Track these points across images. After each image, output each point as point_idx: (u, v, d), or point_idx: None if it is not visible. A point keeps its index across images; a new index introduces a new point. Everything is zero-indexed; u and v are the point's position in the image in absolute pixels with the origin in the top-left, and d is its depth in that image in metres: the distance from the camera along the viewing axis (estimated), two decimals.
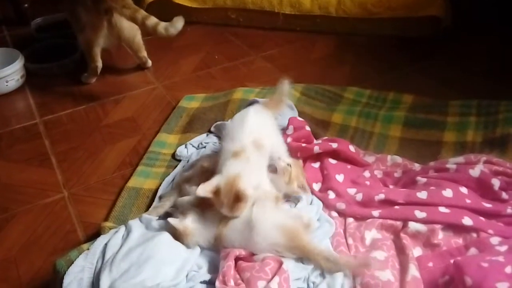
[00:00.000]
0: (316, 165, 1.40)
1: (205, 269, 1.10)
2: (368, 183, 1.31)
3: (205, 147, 1.54)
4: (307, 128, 1.49)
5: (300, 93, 1.76)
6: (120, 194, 1.42)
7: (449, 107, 1.62)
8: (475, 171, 1.24)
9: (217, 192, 1.10)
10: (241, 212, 1.10)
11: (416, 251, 1.12)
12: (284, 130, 1.49)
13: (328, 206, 1.26)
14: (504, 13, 2.26)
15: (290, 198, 1.27)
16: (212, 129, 1.63)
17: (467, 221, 1.14)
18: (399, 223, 1.17)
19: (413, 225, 1.15)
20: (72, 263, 1.09)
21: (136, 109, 1.86)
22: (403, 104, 1.70)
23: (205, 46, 2.27)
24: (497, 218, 1.17)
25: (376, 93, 1.78)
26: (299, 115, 1.61)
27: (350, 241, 1.16)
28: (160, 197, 1.35)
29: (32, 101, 1.94)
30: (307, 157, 1.40)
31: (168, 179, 1.43)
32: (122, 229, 1.18)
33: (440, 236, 1.13)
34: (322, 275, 1.07)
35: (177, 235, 1.13)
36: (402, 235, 1.14)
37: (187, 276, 1.07)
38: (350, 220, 1.22)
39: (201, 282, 1.05)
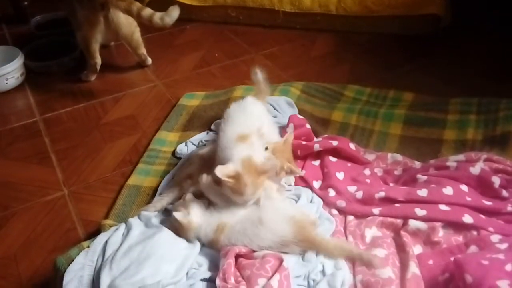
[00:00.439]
0: (316, 163, 1.40)
1: (205, 266, 1.10)
2: (368, 181, 1.31)
3: (205, 145, 1.54)
4: (308, 126, 1.48)
5: (300, 91, 1.76)
6: (120, 192, 1.42)
7: (449, 105, 1.62)
8: (475, 169, 1.24)
9: (236, 176, 1.10)
10: (262, 190, 1.13)
11: (417, 249, 1.12)
12: (284, 128, 1.49)
13: (328, 204, 1.26)
14: (504, 12, 2.25)
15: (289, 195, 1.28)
16: (212, 127, 1.63)
17: (467, 219, 1.14)
18: (399, 221, 1.17)
19: (413, 223, 1.15)
20: (73, 260, 1.09)
21: (136, 107, 1.85)
22: (403, 102, 1.70)
23: (205, 44, 2.27)
24: (498, 216, 1.17)
25: (376, 91, 1.78)
26: (299, 113, 1.61)
27: (350, 238, 1.16)
28: (160, 195, 1.35)
29: (32, 99, 1.94)
30: (307, 155, 1.40)
31: (168, 177, 1.43)
32: (122, 227, 1.18)
33: (441, 233, 1.14)
34: (323, 272, 1.07)
35: (179, 230, 1.14)
36: (402, 232, 1.14)
37: (187, 273, 1.07)
38: (351, 218, 1.22)
39: (201, 280, 1.05)
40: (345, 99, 1.75)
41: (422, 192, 1.21)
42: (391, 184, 1.32)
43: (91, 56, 1.94)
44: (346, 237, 1.17)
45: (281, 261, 1.04)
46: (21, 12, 2.51)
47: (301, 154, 1.40)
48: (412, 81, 1.86)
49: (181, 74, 2.06)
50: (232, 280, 1.01)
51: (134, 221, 1.19)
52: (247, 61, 2.12)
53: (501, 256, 0.99)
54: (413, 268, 1.04)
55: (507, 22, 2.20)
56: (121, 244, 1.11)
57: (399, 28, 2.20)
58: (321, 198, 1.28)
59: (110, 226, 1.23)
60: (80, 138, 1.70)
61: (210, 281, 1.05)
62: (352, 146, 1.43)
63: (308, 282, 1.06)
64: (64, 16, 2.39)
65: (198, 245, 1.14)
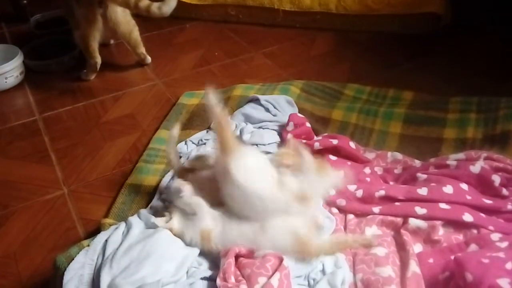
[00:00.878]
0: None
1: (205, 265, 1.10)
2: (368, 179, 1.31)
3: (205, 143, 1.54)
4: (308, 124, 1.49)
5: (300, 89, 1.76)
6: (120, 190, 1.42)
7: (449, 104, 1.61)
8: (475, 168, 1.24)
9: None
10: None
11: (417, 247, 1.12)
12: (284, 127, 1.49)
13: (328, 202, 1.25)
14: (504, 11, 2.25)
15: None
16: (212, 125, 1.63)
17: (467, 217, 1.14)
18: (399, 220, 1.17)
19: (413, 222, 1.15)
20: (72, 259, 1.09)
21: (135, 106, 1.85)
22: (403, 100, 1.70)
23: (204, 43, 2.27)
24: (498, 215, 1.17)
25: (376, 90, 1.77)
26: (299, 112, 1.61)
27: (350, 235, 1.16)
28: (160, 194, 1.35)
29: (31, 98, 1.94)
30: None
31: (168, 175, 1.43)
32: (122, 226, 1.18)
33: (441, 232, 1.13)
34: (323, 271, 1.07)
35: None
36: (402, 231, 1.14)
37: (187, 272, 1.07)
38: (351, 216, 1.22)
39: (201, 279, 1.05)
40: (345, 98, 1.75)
41: (422, 191, 1.20)
42: (391, 183, 1.32)
43: (91, 55, 1.94)
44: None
45: (281, 260, 1.04)
46: (21, 11, 2.51)
47: None
48: (412, 80, 1.86)
49: (181, 73, 2.05)
50: (233, 280, 1.01)
51: (134, 220, 1.19)
52: (247, 60, 2.11)
53: (501, 254, 0.99)
54: (413, 267, 1.04)
55: (508, 21, 2.20)
56: (121, 243, 1.11)
57: (399, 27, 2.20)
58: None
59: (110, 225, 1.22)
60: (79, 137, 1.70)
61: (210, 280, 1.05)
62: (352, 144, 1.43)
63: (308, 281, 1.06)
64: (63, 14, 2.40)
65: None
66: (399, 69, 1.97)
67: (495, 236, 1.10)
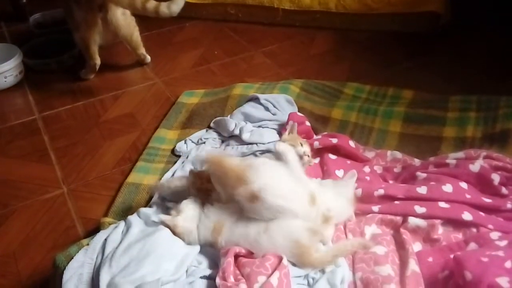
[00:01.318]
0: (316, 160, 1.40)
1: (205, 264, 1.10)
2: (368, 178, 1.31)
3: (204, 142, 1.54)
4: (307, 123, 1.49)
5: (299, 88, 1.76)
6: (119, 189, 1.42)
7: (449, 103, 1.61)
8: (475, 166, 1.24)
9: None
10: None
11: (416, 246, 1.12)
12: (284, 126, 1.49)
13: None
14: (504, 10, 2.25)
15: None
16: (212, 124, 1.63)
17: (467, 216, 1.14)
18: (399, 218, 1.17)
19: (413, 220, 1.15)
20: (72, 258, 1.09)
21: (135, 105, 1.85)
22: (403, 99, 1.70)
23: (204, 42, 2.26)
24: (497, 213, 1.17)
25: (375, 89, 1.77)
26: (299, 111, 1.61)
27: (350, 236, 1.15)
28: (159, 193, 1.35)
29: (30, 97, 1.93)
30: None
31: (168, 174, 1.43)
32: (121, 225, 1.18)
33: (440, 231, 1.13)
34: (322, 270, 1.07)
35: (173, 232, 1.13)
36: (402, 230, 1.14)
37: (187, 271, 1.07)
38: None
39: (201, 277, 1.05)
40: (344, 96, 1.75)
41: (422, 190, 1.20)
42: (391, 182, 1.32)
43: (91, 57, 1.94)
44: (346, 235, 1.16)
45: (280, 259, 1.04)
46: (20, 10, 2.51)
47: None
48: (412, 78, 1.86)
49: (180, 72, 2.05)
50: (232, 279, 1.01)
51: (133, 218, 1.19)
52: (247, 59, 2.11)
53: (500, 253, 0.99)
54: (413, 266, 1.04)
55: (507, 20, 2.20)
56: (120, 242, 1.11)
57: (399, 26, 2.19)
58: None
59: (110, 224, 1.23)
60: (79, 136, 1.70)
61: (210, 279, 1.05)
62: (351, 143, 1.43)
63: (308, 280, 1.06)
64: (63, 14, 2.39)
65: (198, 245, 1.13)
66: (399, 68, 1.97)
67: (495, 235, 1.10)
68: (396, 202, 1.21)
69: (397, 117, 1.58)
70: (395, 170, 1.36)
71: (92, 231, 1.28)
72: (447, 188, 1.20)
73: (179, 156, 1.52)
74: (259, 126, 1.56)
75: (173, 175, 1.42)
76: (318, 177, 1.34)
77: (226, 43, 2.24)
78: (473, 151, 1.30)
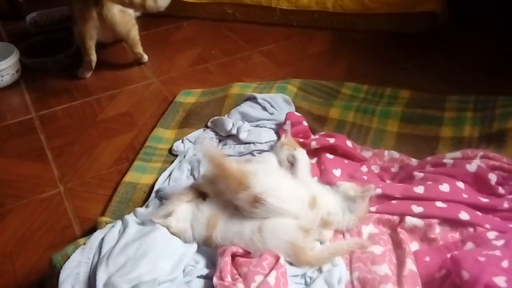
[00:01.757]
0: (313, 160, 1.40)
1: (202, 264, 1.10)
2: (365, 177, 1.31)
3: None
4: (305, 123, 1.49)
5: (297, 88, 1.76)
6: (116, 189, 1.42)
7: (446, 103, 1.62)
8: (472, 166, 1.24)
9: None
10: None
11: (413, 246, 1.12)
12: (281, 125, 1.49)
13: None
14: (502, 9, 2.25)
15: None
16: (209, 124, 1.63)
17: (464, 215, 1.14)
18: (396, 218, 1.17)
19: (410, 220, 1.15)
20: (69, 258, 1.08)
21: (132, 104, 1.85)
22: (400, 99, 1.70)
23: (201, 41, 2.26)
24: (494, 213, 1.17)
25: (373, 89, 1.77)
26: (296, 110, 1.61)
27: (347, 235, 1.16)
28: (157, 192, 1.35)
29: (27, 96, 1.93)
30: None
31: (165, 174, 1.43)
32: (118, 224, 1.17)
33: (437, 230, 1.14)
34: (319, 270, 1.07)
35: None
36: (399, 229, 1.14)
37: (184, 270, 1.07)
38: None
39: (198, 277, 1.05)
40: (342, 96, 1.75)
41: (419, 189, 1.21)
42: (388, 181, 1.32)
43: (86, 52, 1.94)
44: (343, 235, 1.17)
45: (278, 258, 1.04)
46: (17, 9, 2.50)
47: None
48: (409, 78, 1.86)
49: (178, 71, 2.05)
50: (229, 278, 1.01)
51: (130, 218, 1.18)
52: (244, 58, 2.11)
53: (497, 252, 0.99)
54: (410, 265, 1.04)
55: (505, 19, 2.20)
56: (117, 241, 1.11)
57: (396, 26, 2.20)
58: None
59: (107, 223, 1.22)
60: (76, 135, 1.69)
61: (207, 278, 1.04)
62: (349, 143, 1.43)
63: (305, 279, 1.06)
64: (60, 13, 2.39)
65: (195, 243, 1.13)
66: (396, 67, 1.97)
67: (491, 234, 1.10)
68: (393, 201, 1.21)
69: (394, 117, 1.58)
70: (393, 169, 1.36)
71: (89, 231, 1.28)
72: (444, 187, 1.20)
73: (176, 156, 1.52)
74: (257, 126, 1.56)
75: (170, 174, 1.42)
76: (316, 177, 1.34)
77: (224, 43, 2.24)
78: (470, 151, 1.30)
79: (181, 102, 1.79)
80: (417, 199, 1.19)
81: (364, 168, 1.37)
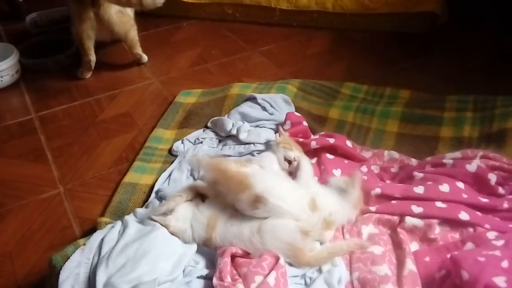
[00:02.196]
0: (313, 160, 1.40)
1: (202, 264, 1.10)
2: (365, 178, 1.31)
3: (201, 142, 1.54)
4: (304, 123, 1.49)
5: (297, 88, 1.76)
6: (116, 189, 1.42)
7: (446, 103, 1.62)
8: (471, 166, 1.24)
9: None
10: None
11: (413, 246, 1.12)
12: (281, 125, 1.49)
13: None
14: (501, 9, 2.25)
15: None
16: (209, 124, 1.63)
17: (463, 216, 1.14)
18: (396, 218, 1.17)
19: (410, 220, 1.15)
20: (68, 258, 1.08)
21: (132, 105, 1.85)
22: (400, 99, 1.70)
23: (201, 42, 2.26)
24: (494, 213, 1.17)
25: (373, 89, 1.78)
26: (296, 111, 1.61)
27: (347, 236, 1.16)
28: (157, 192, 1.35)
29: (27, 96, 1.93)
30: (304, 152, 1.40)
31: (165, 174, 1.43)
32: (118, 224, 1.17)
33: (437, 230, 1.14)
34: (319, 270, 1.07)
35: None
36: (399, 229, 1.14)
37: (184, 271, 1.07)
38: None
39: (198, 277, 1.05)
40: (341, 96, 1.75)
41: (419, 189, 1.21)
42: (388, 181, 1.32)
43: (85, 52, 1.94)
44: (343, 235, 1.17)
45: (277, 258, 1.04)
46: (17, 9, 2.50)
47: None
48: (409, 78, 1.86)
49: (178, 72, 2.05)
50: (229, 279, 1.01)
51: (130, 218, 1.18)
52: (244, 59, 2.11)
53: (497, 253, 0.99)
54: (410, 265, 1.04)
55: (505, 20, 2.20)
56: (117, 242, 1.11)
57: (396, 26, 2.20)
58: None
59: (106, 224, 1.22)
60: (76, 136, 1.69)
61: (207, 279, 1.04)
62: (349, 143, 1.43)
63: (305, 280, 1.06)
64: (59, 13, 2.39)
65: (195, 243, 1.13)
66: (396, 67, 1.97)
67: (491, 235, 1.10)
68: (393, 201, 1.21)
69: (394, 117, 1.58)
70: (392, 170, 1.36)
71: (89, 231, 1.28)
72: (444, 188, 1.20)
73: (176, 156, 1.52)
74: (256, 126, 1.56)
75: (170, 174, 1.42)
76: (316, 177, 1.34)
77: (224, 43, 2.24)
78: (470, 151, 1.30)
79: (181, 102, 1.79)
80: (417, 199, 1.19)
81: (364, 168, 1.37)
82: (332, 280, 1.03)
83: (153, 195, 1.35)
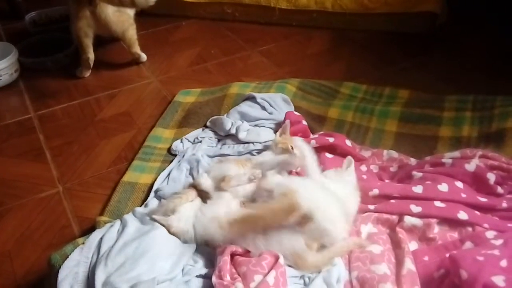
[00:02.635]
0: None
1: (201, 263, 1.10)
2: (365, 177, 1.31)
3: (200, 141, 1.54)
4: (304, 122, 1.49)
5: (296, 88, 1.76)
6: (115, 188, 1.42)
7: (445, 102, 1.62)
8: (470, 166, 1.24)
9: None
10: None
11: (412, 245, 1.12)
12: (281, 125, 1.49)
13: None
14: (501, 9, 2.26)
15: None
16: (208, 123, 1.63)
17: (462, 215, 1.14)
18: (395, 217, 1.18)
19: (408, 219, 1.15)
20: (67, 257, 1.08)
21: (131, 104, 1.85)
22: (399, 99, 1.70)
23: (201, 41, 2.26)
24: (493, 212, 1.18)
25: (372, 88, 1.78)
26: (295, 110, 1.61)
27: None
28: (156, 191, 1.35)
29: (26, 96, 1.93)
30: None
31: (164, 173, 1.43)
32: (117, 224, 1.17)
33: (436, 230, 1.14)
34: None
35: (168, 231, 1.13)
36: (398, 229, 1.14)
37: (183, 270, 1.07)
38: None
39: (197, 276, 1.05)
40: (341, 96, 1.75)
41: (418, 189, 1.21)
42: (387, 181, 1.32)
43: (83, 50, 1.94)
44: None
45: (277, 258, 1.04)
46: (16, 8, 2.50)
47: None
48: (408, 78, 1.86)
49: (177, 71, 2.05)
50: (228, 277, 1.01)
51: (129, 217, 1.18)
52: (243, 58, 2.11)
53: (496, 252, 0.99)
54: (409, 264, 1.04)
55: (505, 20, 2.20)
56: (116, 241, 1.11)
57: (395, 26, 2.20)
58: None
59: (105, 223, 1.22)
60: (75, 135, 1.69)
61: (206, 278, 1.04)
62: (348, 142, 1.43)
63: (304, 279, 1.06)
64: (59, 12, 2.39)
65: (194, 243, 1.13)
66: (395, 67, 1.97)
67: (490, 234, 1.10)
68: (392, 201, 1.21)
69: (393, 116, 1.58)
70: (391, 169, 1.36)
71: (88, 230, 1.28)
72: (443, 187, 1.20)
73: (175, 155, 1.52)
74: (256, 125, 1.56)
75: (169, 174, 1.42)
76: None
77: (223, 42, 2.24)
78: (469, 150, 1.30)
79: (180, 101, 1.79)
80: (416, 198, 1.19)
81: (363, 167, 1.37)
82: (331, 280, 1.03)
83: (152, 194, 1.35)
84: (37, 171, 1.55)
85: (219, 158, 1.43)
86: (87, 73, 2.01)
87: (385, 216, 1.18)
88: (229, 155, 1.46)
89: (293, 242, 1.06)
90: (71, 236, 1.31)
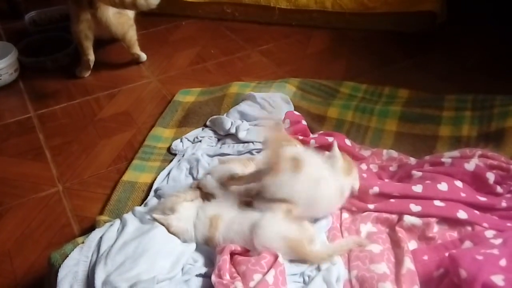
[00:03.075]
0: None
1: (201, 262, 1.10)
2: (364, 175, 1.31)
3: (200, 141, 1.54)
4: (304, 122, 1.49)
5: (296, 87, 1.76)
6: (115, 188, 1.42)
7: (444, 102, 1.62)
8: (470, 165, 1.24)
9: None
10: None
11: (411, 244, 1.12)
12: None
13: None
14: (500, 9, 2.26)
15: None
16: (208, 123, 1.63)
17: (462, 214, 1.14)
18: (394, 217, 1.17)
19: (408, 219, 1.15)
20: (67, 256, 1.08)
21: (131, 103, 1.85)
22: (399, 98, 1.70)
23: (200, 40, 2.26)
24: (492, 212, 1.17)
25: (372, 88, 1.78)
26: (295, 110, 1.61)
27: (345, 234, 1.16)
28: (156, 191, 1.35)
29: (26, 95, 1.93)
30: None
31: (164, 173, 1.43)
32: (117, 223, 1.17)
33: (435, 229, 1.14)
34: (318, 268, 1.07)
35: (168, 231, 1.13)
36: (397, 228, 1.14)
37: (183, 269, 1.07)
38: (346, 215, 1.22)
39: (197, 275, 1.05)
40: (340, 95, 1.75)
41: (417, 188, 1.21)
42: (386, 180, 1.32)
43: (84, 52, 1.94)
44: (342, 233, 1.17)
45: (276, 257, 1.04)
46: (16, 8, 2.50)
47: None
48: (408, 77, 1.86)
49: (177, 71, 2.05)
50: (228, 276, 1.01)
51: (129, 217, 1.18)
52: (243, 58, 2.11)
53: (495, 251, 0.99)
54: (408, 264, 1.04)
55: (503, 19, 2.21)
56: (116, 240, 1.11)
57: (395, 25, 2.20)
58: None
59: (105, 222, 1.22)
60: (74, 134, 1.70)
61: (206, 277, 1.04)
62: (348, 142, 1.43)
63: (303, 278, 1.06)
64: (58, 12, 2.39)
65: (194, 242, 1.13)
66: (395, 67, 1.97)
67: (489, 233, 1.10)
68: (392, 200, 1.21)
69: (393, 116, 1.58)
70: (391, 168, 1.36)
71: (88, 229, 1.28)
72: (443, 186, 1.20)
73: (175, 155, 1.52)
74: (255, 125, 1.56)
75: (169, 173, 1.42)
76: None
77: (223, 42, 2.24)
78: (469, 150, 1.30)
79: (180, 101, 1.79)
80: (415, 198, 1.19)
81: (363, 166, 1.37)
82: (330, 278, 1.03)
83: (152, 193, 1.36)
84: (37, 170, 1.55)
85: (219, 157, 1.43)
86: (87, 73, 2.02)
87: (385, 215, 1.18)
88: (229, 154, 1.46)
89: (284, 228, 1.07)
90: (71, 235, 1.31)
